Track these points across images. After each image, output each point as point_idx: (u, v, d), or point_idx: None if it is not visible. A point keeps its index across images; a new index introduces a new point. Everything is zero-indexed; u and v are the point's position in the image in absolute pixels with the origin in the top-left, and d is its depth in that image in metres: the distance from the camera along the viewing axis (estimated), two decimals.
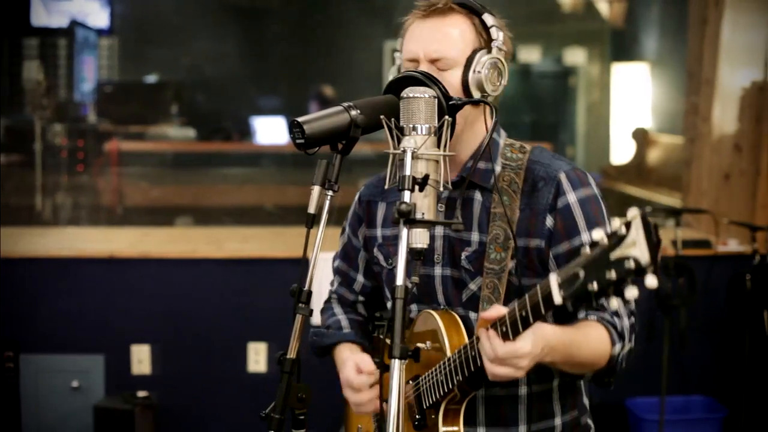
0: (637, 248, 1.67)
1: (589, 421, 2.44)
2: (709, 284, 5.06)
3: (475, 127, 2.29)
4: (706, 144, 5.69)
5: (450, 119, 2.06)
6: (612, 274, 1.69)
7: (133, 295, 5.02)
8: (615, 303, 1.71)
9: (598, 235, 1.73)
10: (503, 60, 2.24)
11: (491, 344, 1.98)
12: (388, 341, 1.93)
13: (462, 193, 2.27)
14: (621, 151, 9.84)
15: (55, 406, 4.95)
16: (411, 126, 2.01)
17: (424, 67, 2.23)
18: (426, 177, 1.96)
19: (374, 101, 2.14)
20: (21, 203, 7.22)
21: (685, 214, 5.63)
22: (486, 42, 2.25)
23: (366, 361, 2.36)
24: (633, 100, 10.08)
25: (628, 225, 1.69)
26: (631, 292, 1.68)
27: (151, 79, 10.32)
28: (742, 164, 5.51)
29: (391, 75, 2.32)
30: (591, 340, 2.13)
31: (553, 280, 1.82)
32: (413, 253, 1.94)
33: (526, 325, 1.92)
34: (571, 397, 2.38)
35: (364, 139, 2.12)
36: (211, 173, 8.48)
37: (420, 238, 1.94)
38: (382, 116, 2.07)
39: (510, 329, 1.95)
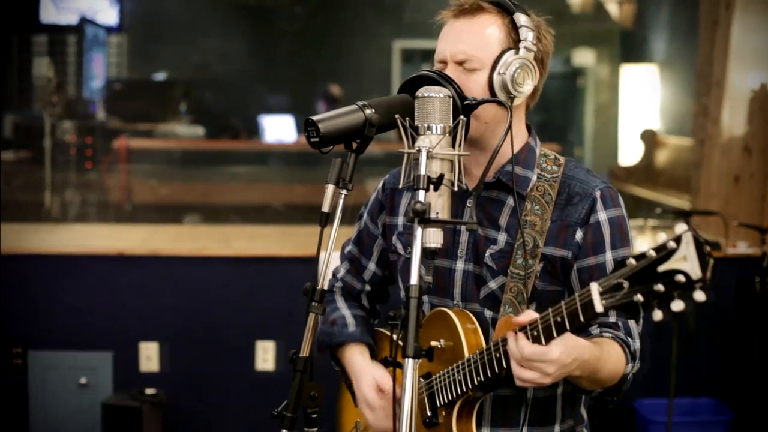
0: (688, 262, 1.70)
1: (585, 431, 2.46)
2: (718, 286, 5.04)
3: (503, 128, 2.25)
4: (715, 146, 5.68)
5: (464, 119, 2.06)
6: (659, 287, 1.72)
7: (142, 293, 5.02)
8: (659, 315, 1.74)
9: (645, 248, 1.76)
10: (531, 61, 2.22)
11: (518, 345, 1.99)
12: (395, 337, 1.92)
13: (477, 194, 2.26)
14: (629, 153, 9.84)
15: (63, 403, 4.95)
16: (426, 125, 2.01)
17: (451, 68, 2.23)
18: (441, 176, 1.96)
19: (389, 100, 2.13)
20: (30, 200, 7.24)
21: (695, 216, 5.62)
22: (515, 42, 2.24)
23: (385, 380, 2.37)
24: (642, 101, 10.08)
25: (677, 240, 1.72)
26: (677, 306, 1.71)
27: (160, 76, 10.34)
28: (751, 166, 5.50)
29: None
30: (613, 358, 2.16)
31: (594, 288, 1.84)
32: (427, 253, 1.94)
33: (561, 330, 1.94)
34: (571, 406, 2.39)
35: (374, 138, 2.12)
36: (219, 171, 8.49)
37: (434, 237, 1.94)
38: (397, 115, 2.07)
39: (542, 333, 1.97)
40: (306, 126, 2.06)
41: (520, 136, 2.32)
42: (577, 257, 2.25)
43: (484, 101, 2.17)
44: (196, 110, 9.58)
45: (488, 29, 2.24)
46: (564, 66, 10.73)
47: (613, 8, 10.33)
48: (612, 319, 2.22)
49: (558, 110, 10.63)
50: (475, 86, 2.19)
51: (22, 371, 4.95)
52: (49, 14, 9.76)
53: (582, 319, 1.89)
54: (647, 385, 4.98)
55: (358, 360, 2.46)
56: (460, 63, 2.22)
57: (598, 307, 1.83)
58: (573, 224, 2.25)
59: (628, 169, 9.18)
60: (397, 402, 2.00)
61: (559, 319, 1.94)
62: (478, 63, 2.21)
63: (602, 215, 2.25)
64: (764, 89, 5.48)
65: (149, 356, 4.99)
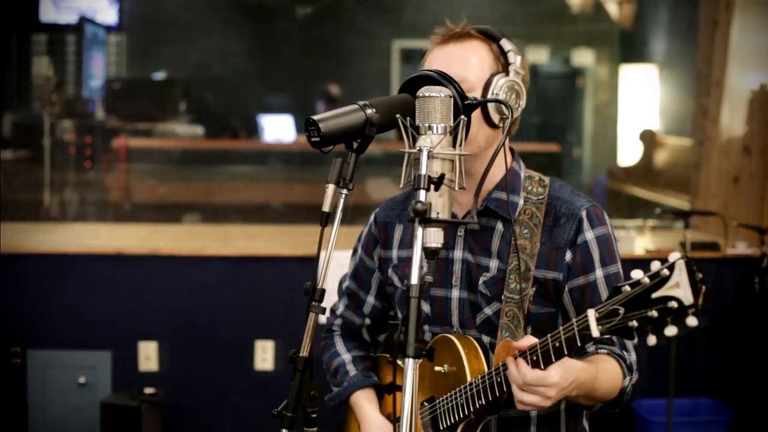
0: (681, 289, 1.77)
1: None
2: (718, 287, 5.05)
3: (490, 155, 2.25)
4: (714, 146, 5.68)
5: (465, 119, 2.06)
6: (653, 313, 1.79)
7: (141, 292, 5.02)
8: (653, 340, 1.81)
9: (638, 275, 1.83)
10: (520, 83, 2.29)
11: (519, 371, 2.05)
12: (399, 363, 1.95)
13: (475, 211, 2.28)
14: (628, 153, 9.84)
15: (62, 402, 4.96)
16: (426, 125, 2.01)
17: None
18: (441, 176, 1.96)
19: (390, 100, 2.13)
20: (29, 199, 7.24)
21: (694, 216, 5.63)
22: (503, 66, 2.30)
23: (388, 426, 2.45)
24: (641, 101, 10.08)
25: (671, 267, 1.79)
26: (671, 331, 1.78)
27: (160, 76, 10.34)
28: (751, 167, 5.51)
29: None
30: (609, 375, 2.22)
31: (591, 315, 1.91)
32: (428, 252, 1.94)
33: (559, 355, 2.00)
34: (575, 420, 2.43)
35: (374, 138, 2.12)
36: (218, 171, 8.49)
37: (434, 237, 1.94)
38: (397, 115, 2.07)
39: (541, 358, 2.02)
40: (307, 125, 2.06)
41: (506, 161, 2.34)
42: (567, 278, 2.30)
43: (485, 101, 2.20)
44: (196, 110, 9.58)
45: (478, 53, 2.30)
46: (563, 66, 10.73)
47: (612, 8, 10.32)
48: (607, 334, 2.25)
49: (557, 110, 10.63)
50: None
51: (21, 370, 4.95)
52: (48, 13, 9.76)
53: (579, 344, 1.95)
54: (646, 386, 4.98)
55: (365, 409, 2.54)
56: None
57: (595, 333, 1.89)
58: (562, 246, 2.30)
59: (627, 170, 9.19)
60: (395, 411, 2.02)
61: (557, 345, 1.99)
62: (468, 85, 2.25)
63: (589, 234, 2.30)
64: (764, 89, 5.48)
65: (148, 356, 4.99)
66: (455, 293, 2.37)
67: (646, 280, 1.80)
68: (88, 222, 7.31)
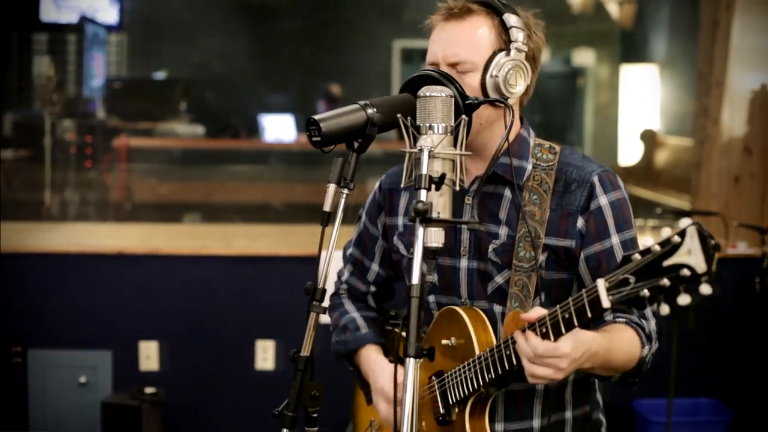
0: (692, 256, 1.72)
1: (601, 417, 2.46)
2: (718, 287, 5.05)
3: (496, 127, 2.29)
4: (715, 146, 5.68)
5: (466, 118, 2.06)
6: (665, 281, 1.74)
7: (142, 292, 5.02)
8: (666, 309, 1.76)
9: (648, 242, 1.79)
10: (523, 61, 2.24)
11: (530, 343, 2.01)
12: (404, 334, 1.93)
13: (480, 188, 2.28)
14: (629, 153, 9.84)
15: (63, 402, 4.96)
16: (427, 125, 2.01)
17: (443, 70, 2.22)
18: (442, 176, 1.96)
19: (391, 100, 2.13)
20: (30, 198, 7.25)
21: (695, 216, 5.62)
22: (506, 43, 2.25)
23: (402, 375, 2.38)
24: (642, 101, 10.08)
25: (682, 234, 1.73)
26: (684, 300, 1.73)
27: (160, 75, 10.34)
28: (751, 167, 5.50)
29: None
30: (624, 344, 2.17)
31: (601, 284, 1.87)
32: (429, 252, 1.94)
33: (570, 327, 1.96)
34: (584, 392, 2.40)
35: (374, 138, 2.12)
36: (219, 170, 8.49)
37: (435, 237, 1.94)
38: (398, 115, 2.07)
39: (551, 330, 1.98)
40: (308, 125, 2.07)
41: (514, 128, 2.33)
42: (582, 246, 2.26)
43: (485, 101, 2.18)
44: (196, 109, 9.58)
45: (479, 31, 2.25)
46: (564, 66, 10.73)
47: (613, 8, 10.32)
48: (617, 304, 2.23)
49: (558, 110, 10.63)
50: (467, 88, 2.19)
51: (21, 370, 4.95)
52: (49, 13, 9.75)
53: (589, 314, 1.91)
54: (647, 386, 4.98)
55: (374, 358, 2.48)
56: (452, 65, 2.24)
57: (605, 303, 1.85)
58: (573, 212, 2.26)
59: (628, 169, 9.18)
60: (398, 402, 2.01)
61: (567, 316, 1.95)
62: (470, 65, 2.23)
63: (603, 200, 2.27)
64: (764, 89, 5.48)
65: (149, 355, 4.99)
66: (464, 263, 2.34)
67: (657, 247, 1.76)
68: (89, 221, 7.31)
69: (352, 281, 2.64)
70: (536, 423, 2.33)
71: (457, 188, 2.01)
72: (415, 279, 1.89)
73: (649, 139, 9.10)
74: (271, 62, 10.47)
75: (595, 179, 2.27)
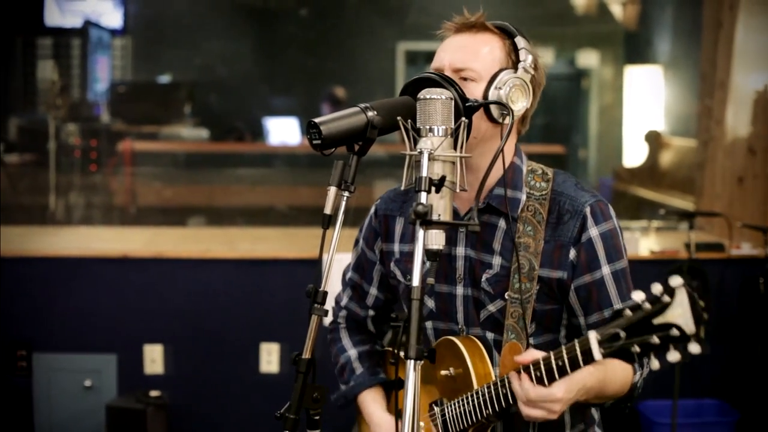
0: (682, 318, 1.77)
1: (598, 431, 2.48)
2: (722, 287, 5.05)
3: (488, 146, 2.27)
4: (719, 147, 5.68)
5: (466, 121, 2.07)
6: (655, 339, 1.80)
7: (146, 295, 5.03)
8: (656, 364, 1.83)
9: (639, 297, 1.82)
10: (527, 82, 2.25)
11: (522, 388, 2.06)
12: (394, 347, 1.95)
13: (475, 210, 2.27)
14: (634, 154, 9.83)
15: (68, 406, 4.97)
16: (427, 127, 2.01)
17: (447, 74, 2.23)
18: (442, 178, 1.96)
19: (391, 103, 2.14)
20: (34, 203, 7.25)
21: (699, 217, 5.62)
22: (514, 63, 2.27)
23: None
24: (646, 102, 10.07)
25: (671, 293, 1.78)
26: (673, 356, 1.79)
27: (165, 79, 10.34)
28: (755, 167, 5.50)
29: None
30: (618, 374, 2.21)
31: (593, 337, 1.91)
32: (429, 255, 1.94)
33: (563, 373, 2.00)
34: (581, 411, 2.41)
35: (377, 140, 2.13)
36: (223, 174, 8.48)
37: (436, 239, 1.95)
38: (398, 117, 2.08)
39: (545, 375, 2.02)
40: (308, 128, 2.07)
41: (507, 154, 2.32)
42: (573, 277, 2.27)
43: (486, 103, 2.19)
44: (201, 113, 9.58)
45: (489, 46, 2.27)
46: (568, 67, 10.72)
47: (616, 10, 10.32)
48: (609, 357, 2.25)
49: (562, 112, 10.62)
50: (469, 96, 2.19)
51: (26, 374, 4.96)
52: (53, 17, 9.76)
53: (581, 365, 1.96)
54: (651, 387, 4.98)
55: (372, 411, 2.53)
56: (457, 71, 2.24)
57: (597, 356, 1.90)
58: (566, 244, 2.27)
59: (632, 170, 9.18)
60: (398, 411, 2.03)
61: (560, 363, 2.00)
62: (474, 74, 2.23)
63: (593, 231, 2.26)
64: None
65: (153, 358, 5.00)
66: (459, 290, 2.36)
67: (648, 305, 1.81)
68: (94, 225, 7.32)
69: (351, 306, 2.67)
70: None
71: (458, 190, 2.02)
72: (416, 281, 1.90)
73: (654, 140, 9.09)
74: (275, 65, 10.48)
75: (587, 210, 2.27)
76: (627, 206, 8.45)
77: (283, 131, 9.37)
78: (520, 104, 2.24)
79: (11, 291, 4.95)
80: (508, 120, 2.21)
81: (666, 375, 4.79)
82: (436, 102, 2.02)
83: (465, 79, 2.23)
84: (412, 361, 1.87)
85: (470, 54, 2.25)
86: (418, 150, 1.99)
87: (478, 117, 2.21)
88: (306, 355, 2.10)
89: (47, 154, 7.44)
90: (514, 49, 2.28)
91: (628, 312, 1.84)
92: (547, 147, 8.56)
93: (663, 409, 4.94)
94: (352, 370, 2.59)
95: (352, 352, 2.63)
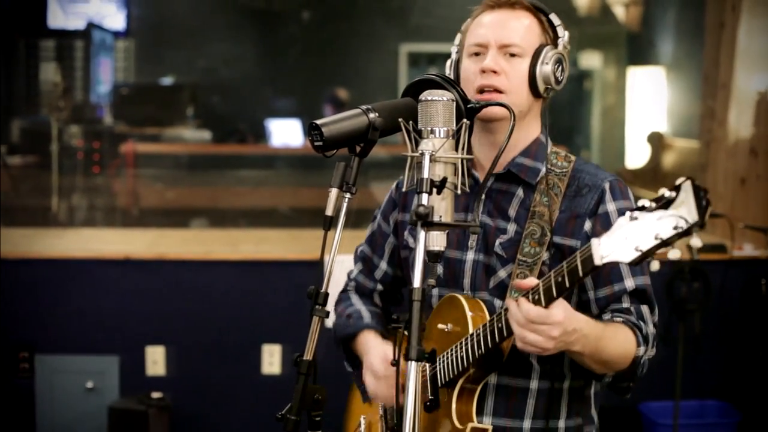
0: (684, 208, 1.74)
1: None
2: (724, 289, 5.04)
3: (524, 123, 2.34)
4: (721, 148, 5.68)
5: (468, 122, 2.07)
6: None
7: (149, 297, 5.03)
8: (656, 265, 1.80)
9: (644, 201, 1.80)
10: (566, 57, 2.33)
11: (521, 308, 2.01)
12: (395, 347, 1.95)
13: (484, 186, 2.29)
14: (636, 155, 9.82)
15: (70, 407, 4.97)
16: (429, 129, 2.02)
17: (492, 52, 2.28)
18: (444, 180, 1.97)
19: (392, 104, 2.15)
20: (37, 204, 7.25)
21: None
22: (552, 39, 2.33)
23: (392, 353, 2.38)
24: (649, 103, 10.06)
25: (677, 188, 1.76)
26: (674, 254, 1.75)
27: (167, 81, 10.35)
28: (758, 168, 5.50)
29: (447, 70, 2.40)
30: (618, 338, 2.17)
31: (595, 243, 1.88)
32: (430, 256, 1.95)
33: (561, 290, 1.97)
34: (579, 403, 2.39)
35: (379, 142, 2.13)
36: (226, 175, 8.49)
37: (437, 240, 1.95)
38: (400, 119, 2.08)
39: (543, 296, 2.00)
40: (310, 130, 2.08)
41: (533, 129, 2.37)
42: None
43: (487, 104, 2.20)
44: (203, 114, 9.59)
45: (529, 21, 2.32)
46: (571, 69, 10.69)
47: (619, 11, 10.32)
48: (625, 304, 2.25)
49: (565, 113, 10.61)
50: (515, 72, 2.26)
51: (29, 375, 4.96)
52: (56, 19, 9.78)
53: (581, 273, 1.92)
54: (653, 388, 4.99)
55: (371, 339, 2.50)
56: (503, 47, 2.28)
57: (597, 260, 1.86)
58: (582, 214, 2.28)
59: (634, 172, 9.17)
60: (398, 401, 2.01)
61: (559, 279, 1.97)
62: (520, 50, 2.28)
63: (611, 206, 2.28)
64: None
65: (156, 360, 5.00)
66: (470, 255, 2.35)
67: (652, 204, 1.78)
68: (96, 227, 7.32)
69: (360, 278, 2.67)
70: (527, 424, 2.33)
71: (459, 192, 2.02)
72: (417, 283, 1.90)
73: (656, 141, 9.08)
74: (278, 67, 10.48)
75: (606, 185, 2.30)
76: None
77: (286, 133, 9.37)
78: (562, 81, 2.33)
79: (14, 292, 4.95)
80: (549, 93, 2.32)
81: (668, 375, 4.79)
82: (437, 103, 2.03)
83: (513, 55, 2.28)
84: (413, 363, 1.87)
85: (514, 30, 2.29)
86: (420, 151, 2.00)
87: (522, 91, 2.28)
88: (307, 356, 2.10)
89: (50, 156, 7.45)
90: (551, 26, 2.34)
91: (632, 214, 1.81)
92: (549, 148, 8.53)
93: (665, 409, 4.93)
94: (359, 317, 2.57)
95: (362, 307, 2.61)
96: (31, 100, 9.05)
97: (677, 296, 4.87)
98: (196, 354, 5.03)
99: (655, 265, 1.76)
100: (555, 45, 2.33)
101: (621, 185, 2.32)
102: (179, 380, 5.02)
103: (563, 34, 2.34)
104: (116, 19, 10.15)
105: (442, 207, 1.98)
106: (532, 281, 2.04)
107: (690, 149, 7.95)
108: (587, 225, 2.27)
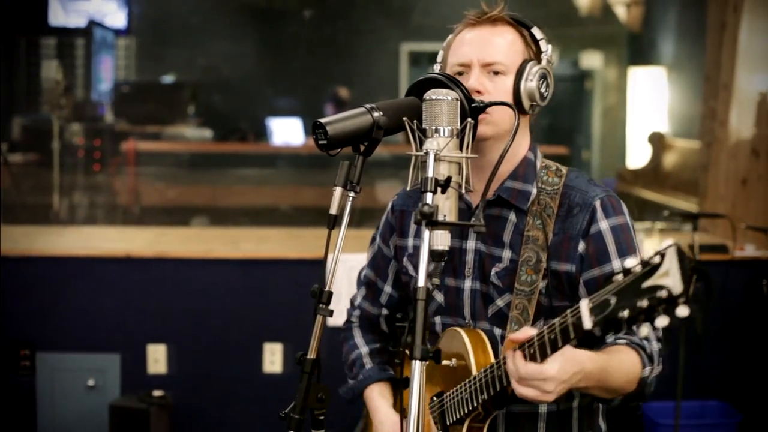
0: (670, 278, 1.69)
1: None
2: (726, 289, 5.04)
3: (518, 137, 2.27)
4: (723, 149, 5.68)
5: (472, 121, 2.07)
6: (644, 302, 1.72)
7: (150, 295, 5.03)
8: (645, 330, 1.75)
9: (631, 263, 1.76)
10: (551, 72, 2.28)
11: (515, 364, 2.00)
12: (399, 347, 1.95)
13: (482, 205, 2.27)
14: (637, 155, 9.83)
15: (71, 405, 4.96)
16: (433, 128, 2.02)
17: (476, 71, 2.24)
18: (448, 179, 1.97)
19: (397, 103, 2.14)
20: (38, 202, 7.25)
21: (702, 218, 5.61)
22: (535, 54, 2.29)
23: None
24: (650, 104, 10.07)
25: (662, 255, 1.72)
26: (662, 321, 1.71)
27: (168, 79, 10.35)
28: (759, 169, 5.50)
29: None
30: (623, 365, 2.15)
31: (584, 305, 1.84)
32: (434, 255, 1.94)
33: (555, 348, 1.94)
34: (589, 418, 2.39)
35: (381, 141, 2.13)
36: (227, 174, 8.49)
37: (441, 240, 1.95)
38: (404, 118, 2.08)
39: (538, 351, 1.96)
40: (314, 128, 2.07)
41: (522, 147, 2.34)
42: (581, 270, 2.24)
43: (491, 104, 2.18)
44: (204, 113, 9.60)
45: (511, 37, 2.28)
46: (572, 69, 10.72)
47: (620, 11, 10.32)
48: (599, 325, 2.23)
49: (566, 113, 10.62)
50: (499, 91, 2.22)
51: (30, 373, 4.96)
52: (57, 17, 9.78)
53: (572, 335, 1.89)
54: (654, 388, 4.98)
55: (378, 406, 2.51)
56: (486, 66, 2.25)
57: (587, 324, 1.82)
58: (575, 236, 2.25)
59: (635, 172, 9.18)
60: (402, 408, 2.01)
61: (552, 337, 1.93)
62: (503, 67, 2.24)
63: (603, 224, 2.25)
64: None
65: (157, 358, 5.00)
66: (468, 284, 2.34)
67: (638, 268, 1.75)
68: (97, 225, 7.32)
69: (365, 305, 2.66)
70: None
71: (463, 191, 2.02)
72: (421, 282, 1.90)
73: (657, 141, 9.09)
74: (279, 66, 10.48)
75: (597, 203, 2.26)
76: (630, 208, 8.39)
77: (287, 131, 9.37)
78: (547, 96, 2.28)
79: (15, 290, 4.95)
80: (535, 110, 2.26)
81: (669, 376, 4.79)
82: (441, 103, 2.03)
83: (496, 73, 2.24)
84: (418, 362, 1.87)
85: (497, 47, 2.26)
86: (424, 151, 2.00)
87: (506, 110, 2.22)
88: (311, 355, 2.10)
89: (51, 153, 7.44)
90: (533, 40, 2.30)
91: (619, 277, 1.78)
92: (550, 148, 8.56)
93: (666, 410, 4.93)
94: (361, 365, 2.58)
95: (364, 349, 2.62)
96: (32, 97, 9.05)
97: None
98: (197, 352, 5.03)
99: (663, 321, 1.71)
100: (539, 60, 2.28)
101: (613, 200, 2.29)
102: (180, 378, 5.02)
103: (546, 48, 2.29)
104: (117, 17, 10.15)
105: (446, 206, 1.97)
106: (526, 334, 2.00)
107: (691, 150, 7.96)
108: (581, 246, 2.25)
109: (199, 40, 10.12)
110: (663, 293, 1.70)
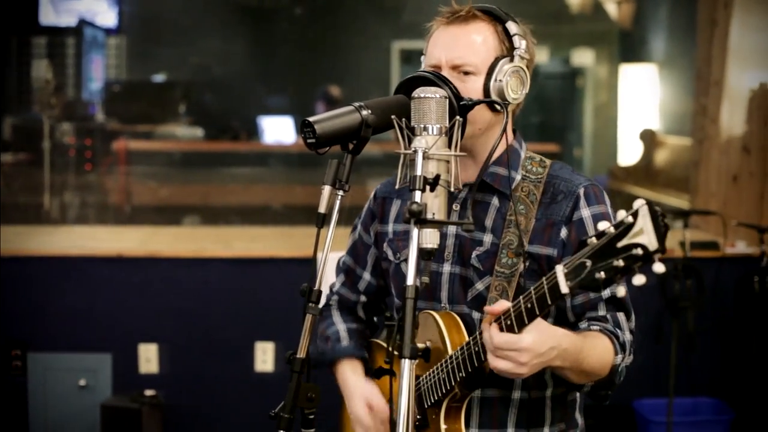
0: (644, 235, 1.72)
1: None
2: (717, 286, 5.05)
3: (491, 134, 2.30)
4: (714, 145, 5.68)
5: (461, 119, 2.07)
6: (620, 262, 1.75)
7: (141, 294, 5.02)
8: (622, 291, 1.82)
9: (604, 225, 1.78)
10: (525, 68, 2.27)
11: (490, 334, 2.01)
12: (388, 345, 1.94)
13: (473, 194, 2.28)
14: (628, 153, 9.83)
15: (63, 405, 4.96)
16: (422, 126, 2.02)
17: (445, 73, 2.24)
18: (437, 177, 1.96)
19: (385, 101, 2.14)
20: (29, 202, 7.23)
21: (693, 215, 5.62)
22: (508, 50, 2.28)
23: (375, 398, 2.41)
24: (641, 101, 10.07)
25: (635, 214, 1.74)
26: (639, 280, 1.72)
27: (159, 78, 10.34)
28: (750, 166, 5.50)
29: None
30: (597, 349, 2.15)
31: (560, 270, 1.86)
32: (423, 253, 1.94)
33: (532, 316, 1.96)
34: (562, 409, 2.38)
35: (372, 139, 2.13)
36: (218, 173, 8.48)
37: (430, 238, 1.95)
38: (393, 116, 2.08)
39: (515, 321, 1.98)
40: (302, 127, 2.07)
41: (503, 141, 2.32)
42: (563, 255, 2.25)
43: (480, 102, 2.19)
44: (196, 112, 9.58)
45: (482, 35, 2.27)
46: (563, 66, 10.72)
47: (611, 8, 10.32)
48: (601, 312, 2.24)
49: (557, 110, 10.62)
50: (469, 92, 2.21)
51: (21, 373, 4.95)
52: (48, 16, 9.75)
53: (549, 301, 1.91)
54: (647, 385, 4.99)
55: (348, 378, 2.50)
56: (455, 68, 2.25)
57: (564, 289, 1.85)
58: (558, 222, 2.27)
59: (627, 169, 9.18)
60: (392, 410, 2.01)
61: (529, 306, 1.95)
62: (473, 68, 2.24)
63: (585, 212, 2.26)
64: (763, 88, 5.48)
65: (148, 358, 4.99)
66: (446, 267, 2.34)
67: (612, 229, 1.77)
68: (89, 224, 7.31)
69: (343, 291, 2.66)
70: None
71: (452, 189, 2.02)
72: (410, 280, 1.90)
73: (649, 138, 9.09)
74: (270, 64, 10.47)
75: (581, 191, 2.28)
76: (622, 205, 8.43)
77: (278, 130, 9.37)
78: (521, 92, 2.26)
79: (6, 290, 4.94)
80: (503, 116, 2.22)
81: (662, 373, 4.80)
82: (430, 101, 2.02)
83: (466, 73, 2.24)
84: (407, 361, 1.87)
85: (465, 47, 2.25)
86: (413, 149, 1.99)
87: (481, 108, 2.23)
88: (300, 354, 2.10)
89: (42, 153, 7.43)
90: (507, 35, 2.28)
91: (593, 240, 1.80)
92: (541, 146, 8.55)
93: (658, 407, 4.94)
94: (338, 339, 2.56)
95: (342, 326, 2.60)
96: (22, 97, 9.02)
97: (670, 294, 4.88)
98: (189, 351, 5.03)
99: (641, 279, 1.72)
100: (511, 57, 2.26)
101: (596, 190, 2.30)
102: (172, 378, 5.01)
103: (519, 44, 2.27)
104: (108, 17, 10.12)
105: (435, 204, 1.97)
106: (502, 306, 2.02)
107: (682, 146, 7.96)
108: (563, 232, 2.26)
109: (190, 39, 10.10)
110: (638, 251, 1.72)
